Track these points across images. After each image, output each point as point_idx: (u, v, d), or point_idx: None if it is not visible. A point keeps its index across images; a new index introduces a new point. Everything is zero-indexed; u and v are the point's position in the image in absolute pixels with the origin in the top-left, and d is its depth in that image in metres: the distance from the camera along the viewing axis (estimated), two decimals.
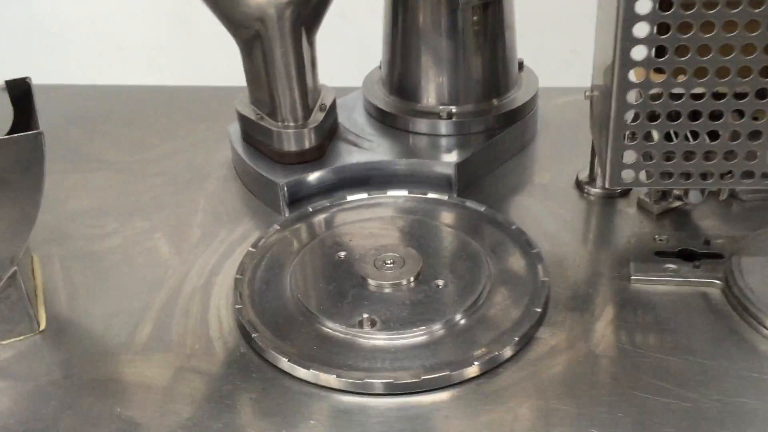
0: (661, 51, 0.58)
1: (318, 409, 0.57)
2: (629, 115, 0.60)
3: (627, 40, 0.56)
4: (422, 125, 0.83)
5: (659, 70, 0.59)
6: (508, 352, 0.60)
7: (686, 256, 0.68)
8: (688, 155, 0.61)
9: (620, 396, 0.57)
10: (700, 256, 0.67)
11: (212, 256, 0.72)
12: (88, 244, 0.75)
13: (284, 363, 0.59)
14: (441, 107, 0.83)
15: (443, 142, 0.82)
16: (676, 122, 0.60)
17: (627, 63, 0.57)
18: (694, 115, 0.60)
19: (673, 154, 0.61)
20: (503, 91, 0.85)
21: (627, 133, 0.61)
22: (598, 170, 0.77)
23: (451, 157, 0.79)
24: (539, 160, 0.84)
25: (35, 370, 0.62)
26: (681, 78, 0.58)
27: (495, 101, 0.84)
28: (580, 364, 0.60)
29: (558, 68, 0.94)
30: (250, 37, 0.74)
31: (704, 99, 0.58)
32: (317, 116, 0.79)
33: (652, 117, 0.60)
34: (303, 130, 0.77)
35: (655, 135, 0.62)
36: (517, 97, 0.85)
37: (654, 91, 0.59)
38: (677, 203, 0.74)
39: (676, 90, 0.59)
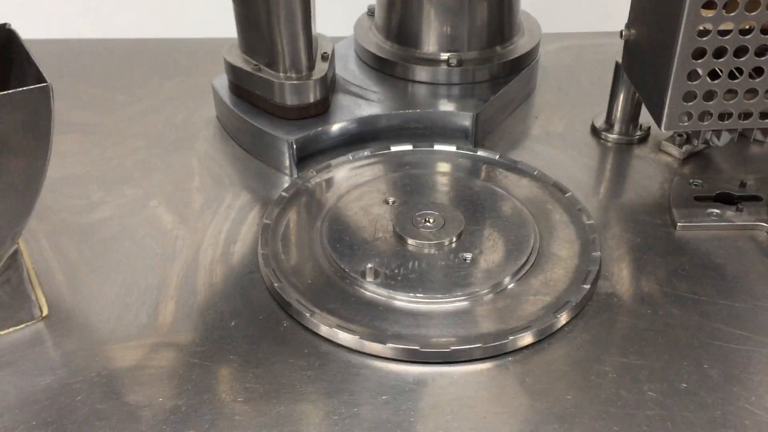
0: None
1: (391, 390, 0.52)
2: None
3: None
4: (425, 73, 0.78)
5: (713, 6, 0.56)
6: (567, 314, 0.56)
7: (724, 199, 0.66)
8: (750, 94, 0.59)
9: (699, 347, 0.54)
10: (739, 198, 0.66)
11: (223, 223, 0.65)
12: (75, 216, 0.66)
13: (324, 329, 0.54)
14: (447, 54, 0.77)
15: (449, 91, 0.77)
16: (742, 59, 0.57)
17: None
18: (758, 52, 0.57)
19: (735, 94, 0.59)
20: (507, 37, 0.80)
21: (689, 72, 0.58)
22: (615, 116, 0.75)
23: (469, 108, 0.74)
24: (546, 108, 0.81)
25: (47, 361, 0.54)
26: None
27: (498, 48, 0.80)
28: (648, 316, 0.57)
29: None
30: None
31: None
32: (321, 66, 0.72)
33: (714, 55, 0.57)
34: (308, 82, 0.71)
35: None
36: (521, 43, 0.81)
37: (722, 27, 0.56)
38: (702, 146, 0.72)
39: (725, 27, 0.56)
